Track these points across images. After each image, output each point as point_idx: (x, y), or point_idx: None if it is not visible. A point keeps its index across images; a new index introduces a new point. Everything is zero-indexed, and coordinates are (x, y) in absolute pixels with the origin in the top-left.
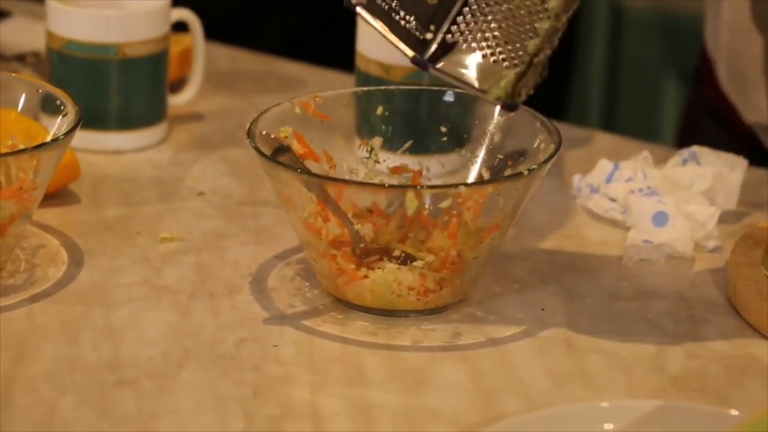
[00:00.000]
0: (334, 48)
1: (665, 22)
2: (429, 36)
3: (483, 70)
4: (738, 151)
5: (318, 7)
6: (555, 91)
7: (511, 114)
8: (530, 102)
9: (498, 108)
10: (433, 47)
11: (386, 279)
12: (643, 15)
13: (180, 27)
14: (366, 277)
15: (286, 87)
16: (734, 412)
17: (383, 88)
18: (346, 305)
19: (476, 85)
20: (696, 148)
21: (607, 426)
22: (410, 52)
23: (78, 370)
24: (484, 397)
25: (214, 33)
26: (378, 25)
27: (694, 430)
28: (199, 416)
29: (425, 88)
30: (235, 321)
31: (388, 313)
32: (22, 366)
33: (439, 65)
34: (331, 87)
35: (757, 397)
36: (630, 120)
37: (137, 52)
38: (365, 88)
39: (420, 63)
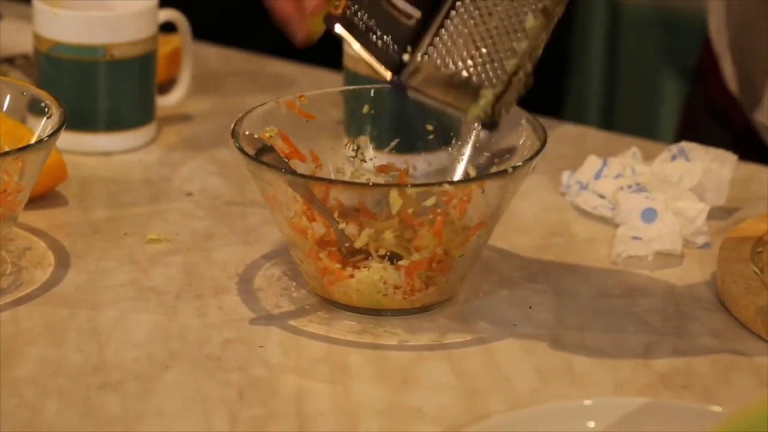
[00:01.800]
0: (325, 47)
1: (663, 19)
2: (406, 57)
3: (461, 89)
4: (739, 150)
5: None
6: (552, 88)
7: (491, 132)
8: (527, 100)
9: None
10: (411, 68)
11: (372, 278)
12: (640, 11)
13: (169, 27)
14: (352, 276)
15: (277, 87)
16: (717, 409)
17: (369, 86)
18: (332, 305)
19: (455, 103)
20: (684, 144)
21: (590, 424)
22: (388, 74)
23: (62, 372)
24: (469, 396)
25: (203, 33)
26: (356, 44)
27: (676, 428)
28: (183, 418)
29: None
30: (222, 321)
31: (374, 312)
32: (5, 369)
33: (417, 85)
34: (322, 86)
35: (745, 394)
36: (628, 117)
37: (125, 54)
38: (351, 87)
39: (398, 84)
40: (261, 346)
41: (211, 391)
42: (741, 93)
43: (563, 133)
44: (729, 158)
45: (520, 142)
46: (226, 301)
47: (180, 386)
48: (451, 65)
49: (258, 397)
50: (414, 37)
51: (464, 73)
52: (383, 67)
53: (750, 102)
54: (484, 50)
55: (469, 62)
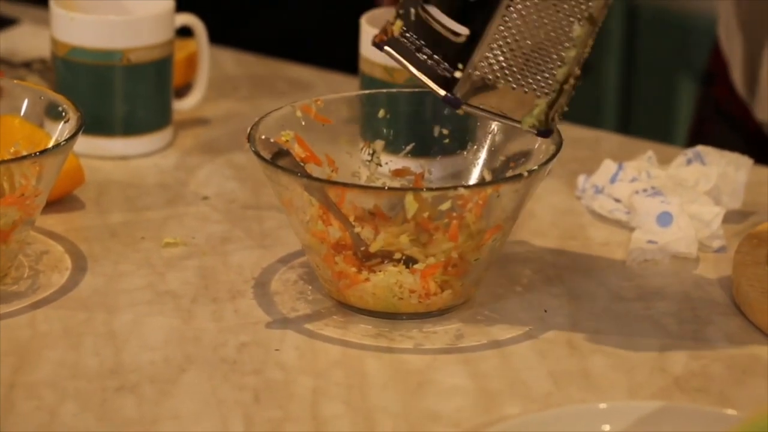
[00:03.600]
0: (341, 51)
1: (679, 22)
2: (458, 74)
3: (514, 101)
4: (751, 153)
5: (324, 9)
6: None
7: (546, 138)
8: None
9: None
10: (463, 84)
11: (388, 282)
12: (657, 15)
13: (185, 32)
14: (368, 280)
15: (293, 91)
16: (733, 413)
17: (385, 90)
18: (348, 308)
19: (509, 115)
20: (700, 148)
21: (605, 427)
22: (441, 91)
23: (79, 375)
24: (485, 400)
25: (218, 35)
26: (407, 64)
27: (692, 431)
28: (199, 421)
29: (428, 91)
30: (238, 325)
31: (390, 315)
32: (23, 372)
33: (470, 101)
34: (338, 90)
35: (761, 397)
36: (644, 121)
37: (142, 58)
38: (367, 91)
39: (452, 101)
40: (277, 350)
41: (227, 394)
42: (749, 96)
43: (578, 136)
44: (744, 162)
45: (536, 146)
46: (242, 304)
47: (196, 389)
48: (502, 78)
49: (274, 400)
50: (464, 54)
51: (515, 85)
52: (436, 84)
53: (758, 105)
54: (533, 62)
55: (519, 75)
